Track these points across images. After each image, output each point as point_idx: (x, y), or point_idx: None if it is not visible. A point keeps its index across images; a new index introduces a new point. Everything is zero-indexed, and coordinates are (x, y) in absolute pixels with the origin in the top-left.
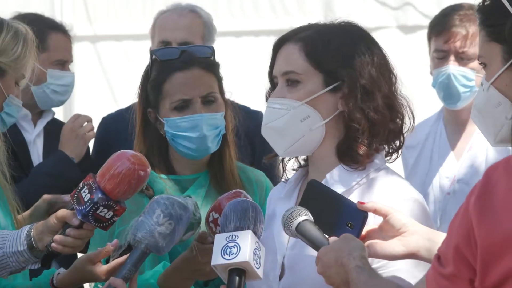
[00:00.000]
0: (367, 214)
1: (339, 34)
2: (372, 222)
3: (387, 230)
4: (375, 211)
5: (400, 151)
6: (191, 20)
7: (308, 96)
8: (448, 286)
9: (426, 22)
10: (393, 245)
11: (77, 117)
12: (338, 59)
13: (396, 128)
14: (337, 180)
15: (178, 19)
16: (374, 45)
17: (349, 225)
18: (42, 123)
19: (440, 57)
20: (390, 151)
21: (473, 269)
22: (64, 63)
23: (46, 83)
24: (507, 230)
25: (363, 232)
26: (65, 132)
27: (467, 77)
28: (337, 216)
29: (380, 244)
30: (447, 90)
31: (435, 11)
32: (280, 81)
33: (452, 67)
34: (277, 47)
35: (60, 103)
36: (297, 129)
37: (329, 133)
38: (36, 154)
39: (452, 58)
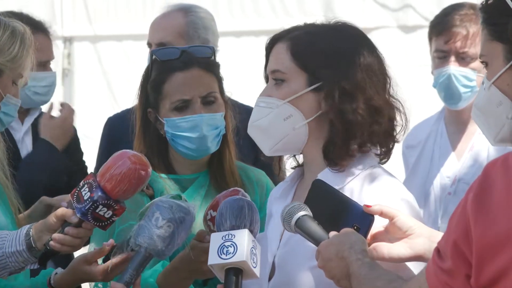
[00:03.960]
0: (373, 217)
1: (328, 35)
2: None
3: (394, 232)
4: (382, 214)
5: (390, 154)
6: (171, 20)
7: (291, 95)
8: (447, 280)
9: (426, 22)
10: (400, 248)
11: (71, 110)
12: (320, 59)
13: (380, 130)
14: (327, 181)
15: (160, 21)
16: (366, 46)
17: (355, 227)
18: (29, 120)
19: (440, 57)
20: (381, 152)
21: (470, 264)
22: (45, 63)
23: (27, 86)
24: (501, 229)
25: (369, 236)
26: (57, 123)
27: (467, 77)
28: (343, 218)
29: (386, 247)
30: (447, 91)
31: (435, 11)
32: (269, 80)
33: (453, 67)
34: (270, 46)
35: (43, 103)
36: (280, 128)
37: (314, 133)
38: (26, 152)
39: (452, 58)
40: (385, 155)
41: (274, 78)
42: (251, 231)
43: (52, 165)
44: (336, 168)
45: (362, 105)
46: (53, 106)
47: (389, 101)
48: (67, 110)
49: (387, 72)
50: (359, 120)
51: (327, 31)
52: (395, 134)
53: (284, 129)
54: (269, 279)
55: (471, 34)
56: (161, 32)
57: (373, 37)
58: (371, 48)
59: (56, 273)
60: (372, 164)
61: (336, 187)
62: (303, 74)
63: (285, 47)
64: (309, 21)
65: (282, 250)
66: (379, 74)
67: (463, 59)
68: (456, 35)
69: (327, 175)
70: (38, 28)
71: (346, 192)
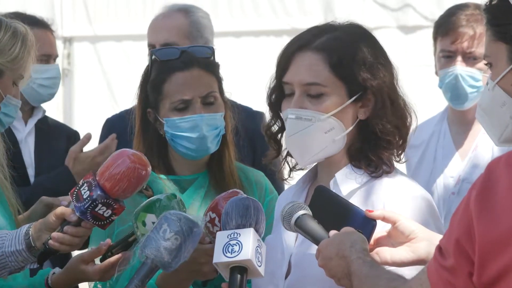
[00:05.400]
0: (376, 222)
1: (359, 44)
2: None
3: (396, 236)
4: (384, 219)
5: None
6: (175, 21)
7: (334, 108)
8: (448, 278)
9: (426, 22)
10: (402, 252)
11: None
12: (364, 71)
13: (407, 130)
14: (345, 179)
15: (162, 21)
16: (380, 48)
17: None
18: (33, 121)
19: (446, 57)
20: (399, 151)
21: (473, 262)
22: (48, 57)
23: (31, 79)
24: (505, 226)
25: (371, 241)
26: (86, 158)
27: (474, 77)
28: (345, 224)
29: (389, 251)
30: (454, 91)
31: (435, 11)
32: (298, 91)
33: (460, 67)
34: (292, 53)
35: (51, 96)
36: (321, 140)
37: (347, 141)
38: (28, 153)
39: (459, 58)
40: (401, 152)
41: (309, 90)
42: (257, 231)
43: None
44: (372, 171)
45: (401, 108)
46: (87, 138)
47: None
48: (104, 148)
49: (395, 69)
50: (402, 123)
51: (356, 39)
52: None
53: (324, 141)
54: (286, 277)
55: (478, 34)
56: (166, 33)
57: None
58: (381, 47)
59: (53, 273)
60: (390, 164)
61: (356, 185)
62: (342, 85)
63: (321, 58)
64: (309, 21)
65: (298, 249)
66: (395, 74)
67: (469, 59)
68: (463, 35)
69: (347, 173)
70: (40, 24)
71: (364, 192)
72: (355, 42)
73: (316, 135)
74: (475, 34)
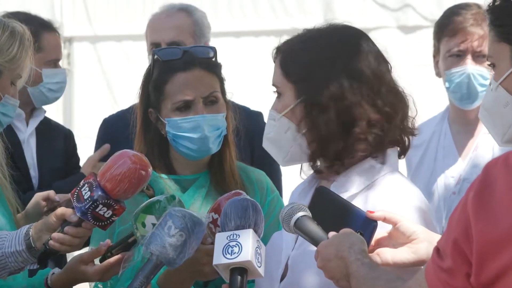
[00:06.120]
0: (377, 223)
1: (311, 46)
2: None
3: (397, 237)
4: (385, 220)
5: (402, 156)
6: (179, 20)
7: (285, 109)
8: (446, 279)
9: (426, 22)
10: (403, 253)
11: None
12: (300, 71)
13: (385, 135)
14: (339, 186)
15: (166, 20)
16: (356, 49)
17: (359, 233)
18: (34, 122)
19: (455, 57)
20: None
21: (470, 263)
22: (56, 61)
23: (43, 83)
24: (504, 227)
25: (372, 241)
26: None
27: (483, 76)
28: (346, 225)
29: (390, 252)
30: (466, 90)
31: (435, 11)
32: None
33: (471, 66)
34: (274, 57)
35: (55, 99)
36: (284, 140)
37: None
38: (30, 153)
39: (469, 57)
40: (401, 155)
41: (274, 91)
42: (256, 231)
43: None
44: (331, 178)
45: (334, 117)
46: (106, 149)
47: (388, 101)
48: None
49: (384, 71)
50: (328, 134)
51: (312, 40)
52: (406, 131)
53: (287, 141)
54: (281, 280)
55: (487, 33)
56: (171, 31)
57: (372, 37)
58: (364, 49)
59: (53, 273)
60: (390, 169)
61: (350, 191)
62: (292, 87)
63: (278, 60)
64: (309, 21)
65: (296, 252)
66: (371, 76)
67: (478, 57)
68: (472, 35)
69: (339, 181)
70: (51, 28)
71: (360, 198)
72: (306, 43)
73: (279, 135)
74: (485, 33)
